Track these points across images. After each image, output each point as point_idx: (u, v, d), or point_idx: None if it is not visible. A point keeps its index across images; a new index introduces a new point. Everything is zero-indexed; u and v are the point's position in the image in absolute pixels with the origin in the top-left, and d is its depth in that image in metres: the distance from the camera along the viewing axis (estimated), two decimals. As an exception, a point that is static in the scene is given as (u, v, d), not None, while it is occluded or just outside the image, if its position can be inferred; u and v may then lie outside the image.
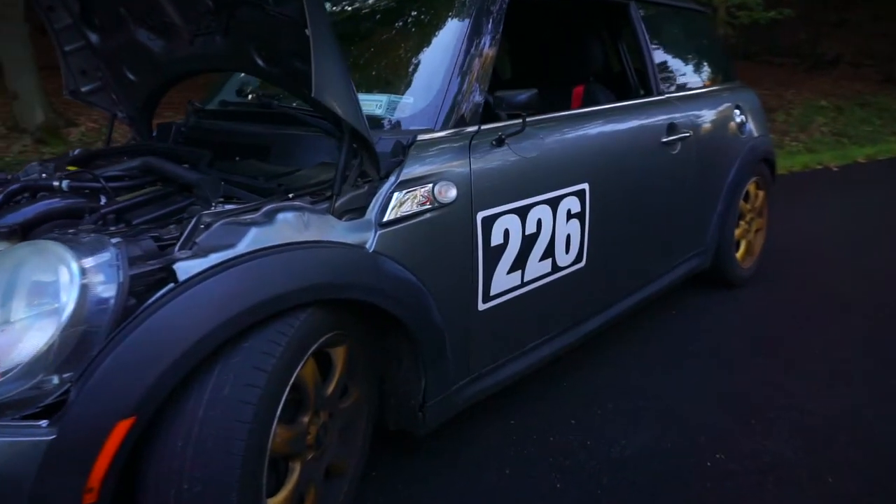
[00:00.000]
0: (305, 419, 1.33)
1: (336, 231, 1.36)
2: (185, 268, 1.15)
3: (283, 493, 1.29)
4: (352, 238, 1.37)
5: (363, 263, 1.37)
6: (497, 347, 1.82)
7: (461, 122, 1.68)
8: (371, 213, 1.42)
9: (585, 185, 1.94)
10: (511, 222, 1.72)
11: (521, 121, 1.67)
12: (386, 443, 1.82)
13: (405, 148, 1.52)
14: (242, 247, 1.22)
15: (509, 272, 1.75)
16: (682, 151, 2.41)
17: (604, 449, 1.86)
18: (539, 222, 1.81)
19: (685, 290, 2.94)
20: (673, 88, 2.57)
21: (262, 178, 1.55)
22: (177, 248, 1.20)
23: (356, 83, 1.46)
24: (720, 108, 2.78)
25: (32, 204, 1.46)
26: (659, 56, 2.53)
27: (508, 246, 1.73)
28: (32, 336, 1.05)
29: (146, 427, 1.10)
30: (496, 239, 1.68)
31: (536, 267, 1.84)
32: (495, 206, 1.67)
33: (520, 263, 1.77)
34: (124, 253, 1.12)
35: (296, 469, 1.32)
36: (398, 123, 1.66)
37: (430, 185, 1.51)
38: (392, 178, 1.46)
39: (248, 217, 1.28)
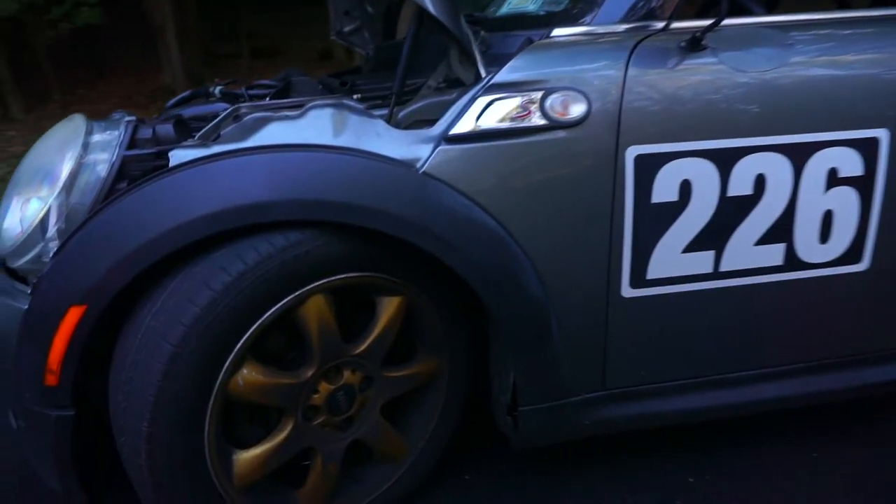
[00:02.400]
0: (309, 372, 1.05)
1: (381, 140, 1.02)
2: (180, 155, 0.99)
3: (259, 450, 1.04)
4: (400, 152, 1.01)
5: (400, 185, 1.00)
6: (657, 362, 1.22)
7: (650, 14, 1.13)
8: (441, 123, 1.03)
9: (880, 134, 1.13)
10: (698, 172, 1.09)
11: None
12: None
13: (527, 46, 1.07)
14: (252, 141, 1.00)
15: (688, 250, 1.13)
16: None
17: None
18: (761, 181, 1.12)
19: None
20: None
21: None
22: (196, 136, 1.06)
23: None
24: None
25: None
26: None
27: (689, 209, 1.11)
28: (33, 206, 1.03)
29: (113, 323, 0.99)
30: (664, 193, 1.09)
31: (751, 252, 1.15)
32: (666, 142, 1.07)
33: (712, 240, 1.13)
34: (127, 133, 1.02)
35: (286, 427, 1.06)
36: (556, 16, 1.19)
37: (540, 94, 1.03)
38: (483, 81, 1.04)
39: (284, 112, 1.05)
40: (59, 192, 1.01)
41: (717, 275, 1.16)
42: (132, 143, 1.04)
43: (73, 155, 1.02)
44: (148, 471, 0.94)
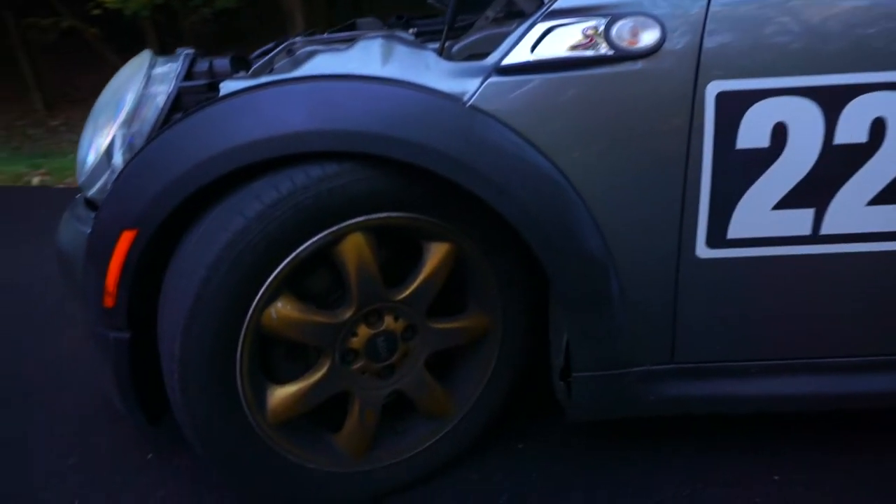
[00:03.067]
0: (347, 314, 1.02)
1: (429, 72, 0.96)
2: (229, 86, 0.99)
3: (294, 388, 1.03)
4: (448, 84, 0.94)
5: (444, 119, 0.93)
6: (737, 337, 1.07)
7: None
8: (494, 54, 0.95)
9: None
10: (795, 114, 0.93)
11: None
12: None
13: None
14: (300, 73, 0.98)
15: (781, 207, 0.97)
16: None
17: None
18: (879, 126, 0.93)
19: None
20: None
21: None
22: (251, 69, 1.05)
23: None
24: None
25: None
26: None
27: (784, 158, 0.95)
28: (102, 137, 1.08)
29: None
30: (752, 138, 0.94)
31: (862, 214, 0.98)
32: (756, 77, 0.92)
33: (812, 196, 0.97)
34: (185, 66, 1.04)
35: (322, 367, 1.04)
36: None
37: (606, 20, 0.92)
38: (543, 6, 0.94)
39: (334, 45, 1.02)
40: (123, 123, 1.05)
41: (817, 238, 0.99)
42: (189, 75, 1.06)
43: (136, 88, 1.05)
44: (180, 393, 0.96)
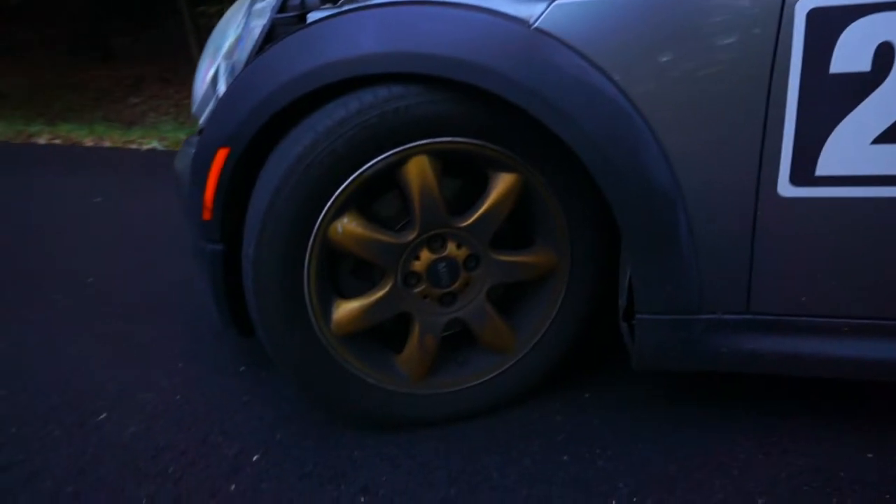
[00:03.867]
0: (410, 236, 1.06)
1: (498, -4, 0.96)
2: (314, 16, 1.06)
3: (358, 303, 1.09)
4: (514, 7, 0.94)
5: (508, 42, 0.93)
6: (826, 289, 0.97)
7: None
8: (562, -23, 0.93)
9: None
10: (905, 32, 0.82)
11: None
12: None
13: None
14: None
15: (883, 141, 0.87)
16: None
17: None
18: None
19: None
20: None
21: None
22: (339, 1, 1.12)
23: None
24: None
25: None
26: None
27: (888, 83, 0.85)
28: (208, 68, 1.20)
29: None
30: (850, 61, 0.85)
31: None
32: (858, -9, 0.83)
33: (922, 130, 0.85)
34: (279, 1, 1.12)
35: (385, 286, 1.09)
36: None
37: (682, -68, 0.87)
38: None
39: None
40: (226, 55, 1.16)
41: (926, 179, 0.87)
42: (283, 9, 1.14)
43: (237, 23, 1.16)
44: (254, 294, 1.05)
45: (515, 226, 1.17)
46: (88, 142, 4.37)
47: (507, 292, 1.22)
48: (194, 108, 1.27)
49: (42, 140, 4.51)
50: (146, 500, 1.03)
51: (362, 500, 1.01)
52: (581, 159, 0.95)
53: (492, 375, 1.19)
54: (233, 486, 1.05)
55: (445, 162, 1.05)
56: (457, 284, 1.12)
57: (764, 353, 1.03)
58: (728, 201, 0.95)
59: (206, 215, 1.16)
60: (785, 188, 0.92)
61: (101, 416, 1.26)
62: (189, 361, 1.46)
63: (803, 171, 0.90)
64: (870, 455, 1.06)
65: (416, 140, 1.00)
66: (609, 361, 1.35)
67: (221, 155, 1.09)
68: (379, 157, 1.00)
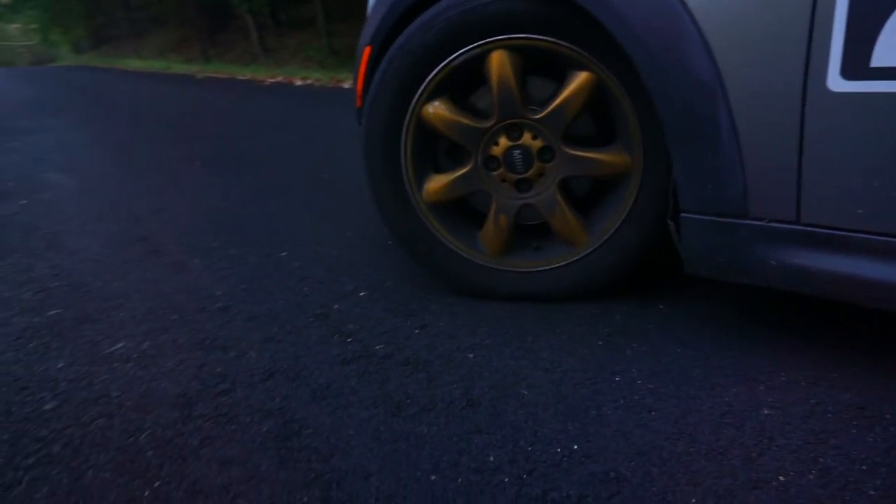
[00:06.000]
0: (489, 122, 1.24)
1: None
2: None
3: (445, 177, 1.30)
4: None
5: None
6: (887, 199, 0.89)
7: None
8: None
9: None
10: None
11: None
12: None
13: None
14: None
15: (950, 27, 0.78)
16: None
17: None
18: None
19: None
20: None
21: None
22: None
23: None
24: None
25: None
26: None
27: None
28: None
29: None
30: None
31: None
32: None
33: None
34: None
35: (468, 165, 1.28)
36: None
37: None
38: None
39: None
40: None
41: None
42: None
43: None
44: (365, 160, 1.33)
45: (600, 125, 1.25)
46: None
47: (590, 192, 1.31)
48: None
49: (346, 84, 5.49)
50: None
51: (416, 332, 1.25)
52: (625, 49, 1.01)
53: (561, 264, 1.30)
54: (336, 306, 1.38)
55: (532, 60, 1.18)
56: (531, 172, 1.25)
57: (814, 272, 0.97)
58: (772, 96, 0.92)
59: (358, 102, 1.47)
60: (835, 82, 0.86)
61: (283, 254, 1.71)
62: (356, 231, 1.85)
63: (855, 63, 0.84)
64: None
65: (493, 35, 1.16)
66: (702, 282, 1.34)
67: (367, 52, 1.39)
68: (463, 50, 1.18)
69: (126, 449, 0.94)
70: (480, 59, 1.19)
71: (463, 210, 1.37)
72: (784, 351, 1.10)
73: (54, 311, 1.43)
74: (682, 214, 1.06)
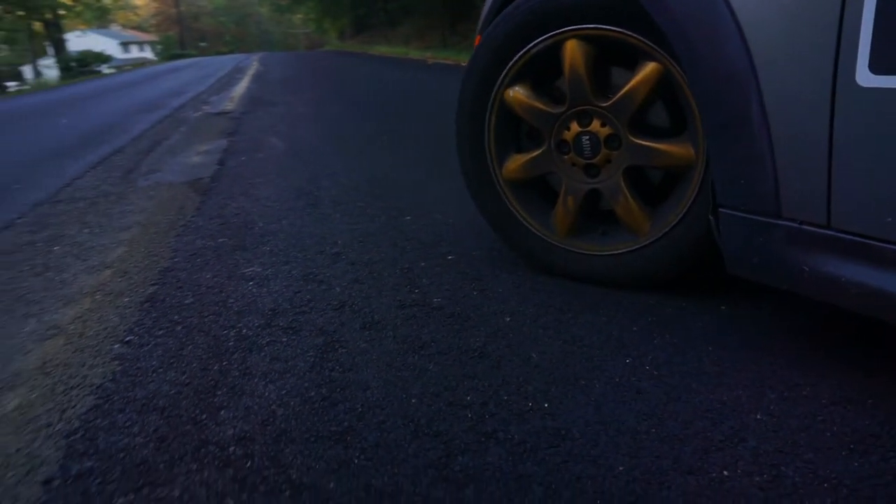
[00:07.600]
0: (560, 109, 1.31)
1: None
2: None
3: (522, 158, 1.40)
4: None
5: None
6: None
7: None
8: None
9: None
10: None
11: None
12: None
13: None
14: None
15: (980, 18, 0.71)
16: None
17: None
18: None
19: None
20: None
21: None
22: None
23: None
24: None
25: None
26: None
27: None
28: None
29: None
30: (946, -85, 0.72)
31: None
32: None
33: None
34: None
35: (542, 147, 1.37)
36: None
37: None
38: None
39: None
40: None
41: None
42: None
43: None
44: (456, 137, 1.49)
45: (673, 117, 1.25)
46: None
47: (662, 183, 1.32)
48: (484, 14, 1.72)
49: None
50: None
51: (475, 294, 1.39)
52: (668, 37, 1.03)
53: (622, 251, 1.33)
54: (423, 264, 1.57)
55: (611, 50, 1.24)
56: (598, 158, 1.30)
57: (845, 283, 0.91)
58: (802, 91, 0.88)
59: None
60: (864, 77, 0.81)
61: (408, 217, 1.95)
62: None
63: (884, 57, 0.78)
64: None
65: (566, 26, 1.23)
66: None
67: (477, 41, 1.54)
68: (539, 39, 1.28)
69: (219, 337, 1.24)
70: (556, 47, 1.27)
71: (541, 190, 1.46)
72: (821, 368, 1.02)
73: (222, 239, 1.84)
74: (720, 209, 1.05)
